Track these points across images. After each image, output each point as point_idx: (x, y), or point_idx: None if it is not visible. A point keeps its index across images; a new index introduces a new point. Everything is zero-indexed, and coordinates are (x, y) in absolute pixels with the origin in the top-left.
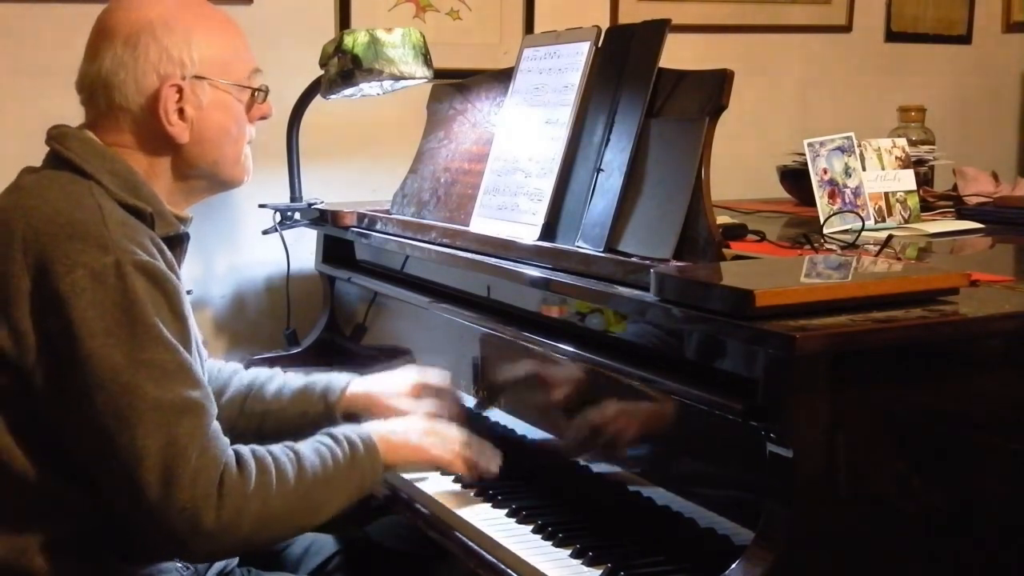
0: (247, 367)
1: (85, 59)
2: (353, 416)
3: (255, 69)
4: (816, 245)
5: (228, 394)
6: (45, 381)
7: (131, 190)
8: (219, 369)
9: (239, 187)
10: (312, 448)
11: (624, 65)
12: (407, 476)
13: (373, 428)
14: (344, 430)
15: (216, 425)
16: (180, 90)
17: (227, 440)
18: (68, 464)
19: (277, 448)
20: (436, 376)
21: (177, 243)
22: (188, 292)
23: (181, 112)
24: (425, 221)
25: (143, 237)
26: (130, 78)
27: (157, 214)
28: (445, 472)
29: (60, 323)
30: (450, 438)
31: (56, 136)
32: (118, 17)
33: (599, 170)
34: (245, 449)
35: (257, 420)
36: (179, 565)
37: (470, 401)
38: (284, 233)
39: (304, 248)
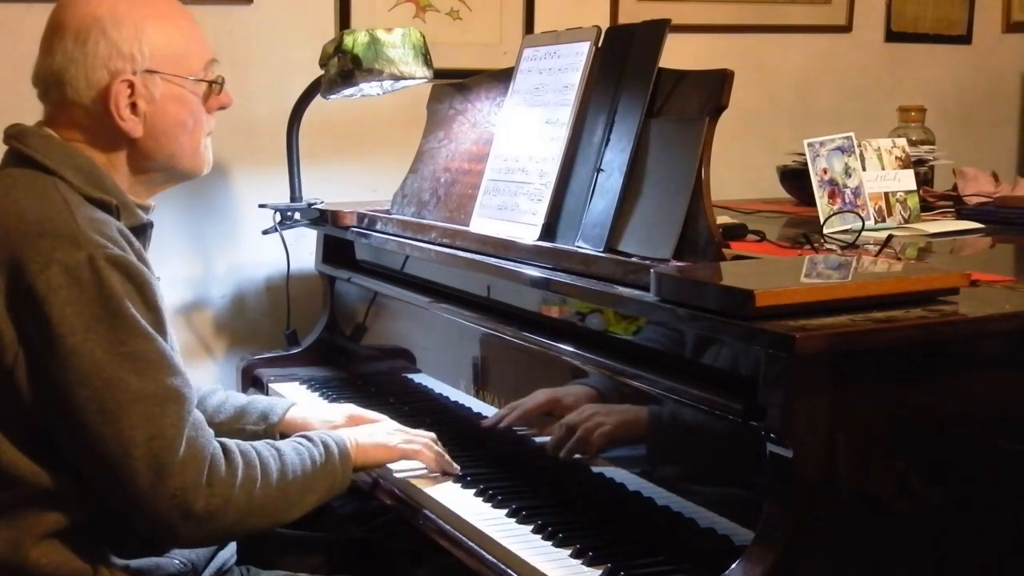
0: (247, 367)
1: (39, 54)
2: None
3: (211, 60)
4: (816, 245)
5: None
6: (26, 378)
7: (95, 184)
8: None
9: (200, 176)
10: (292, 448)
11: (624, 65)
12: (407, 478)
13: (346, 432)
14: (319, 434)
15: (198, 414)
16: (132, 85)
17: (211, 431)
18: (57, 457)
19: (260, 444)
20: (373, 416)
21: (141, 232)
22: (156, 280)
23: (134, 107)
24: (425, 221)
25: (111, 230)
26: (80, 74)
27: (122, 205)
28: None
29: (38, 321)
30: (417, 433)
31: (15, 135)
32: (69, 12)
33: (599, 170)
34: (231, 443)
35: None
36: (176, 561)
37: (469, 401)
38: (284, 233)
39: (304, 248)
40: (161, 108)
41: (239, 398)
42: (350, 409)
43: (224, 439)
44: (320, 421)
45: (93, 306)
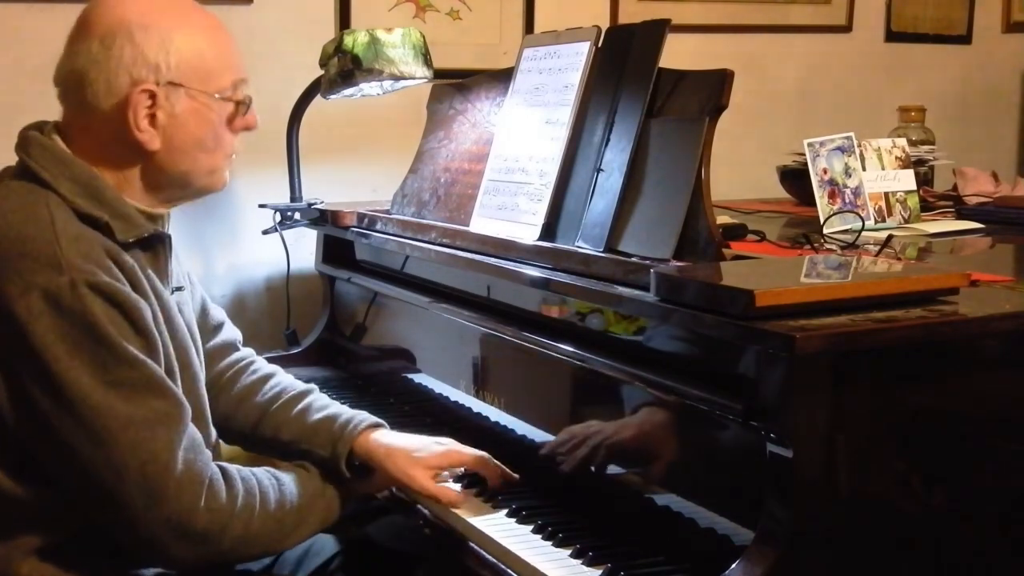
0: None
1: (63, 52)
2: (361, 468)
3: (240, 79)
4: (816, 245)
5: (253, 399)
6: (8, 402)
7: (91, 196)
8: (251, 368)
9: (217, 192)
10: (291, 477)
11: (624, 65)
12: None
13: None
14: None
15: (194, 432)
16: (153, 95)
17: (209, 454)
18: (42, 477)
19: (260, 472)
20: (471, 453)
21: (157, 242)
22: (178, 289)
23: (153, 118)
24: (425, 221)
25: (98, 251)
26: (102, 78)
27: (120, 218)
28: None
29: (20, 347)
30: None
31: (21, 141)
32: (98, 12)
33: (599, 170)
34: (232, 468)
35: (264, 438)
36: None
37: (469, 401)
38: (284, 233)
39: (304, 248)
40: (181, 123)
41: (316, 410)
42: (447, 445)
43: (225, 464)
44: (408, 450)
45: (76, 333)
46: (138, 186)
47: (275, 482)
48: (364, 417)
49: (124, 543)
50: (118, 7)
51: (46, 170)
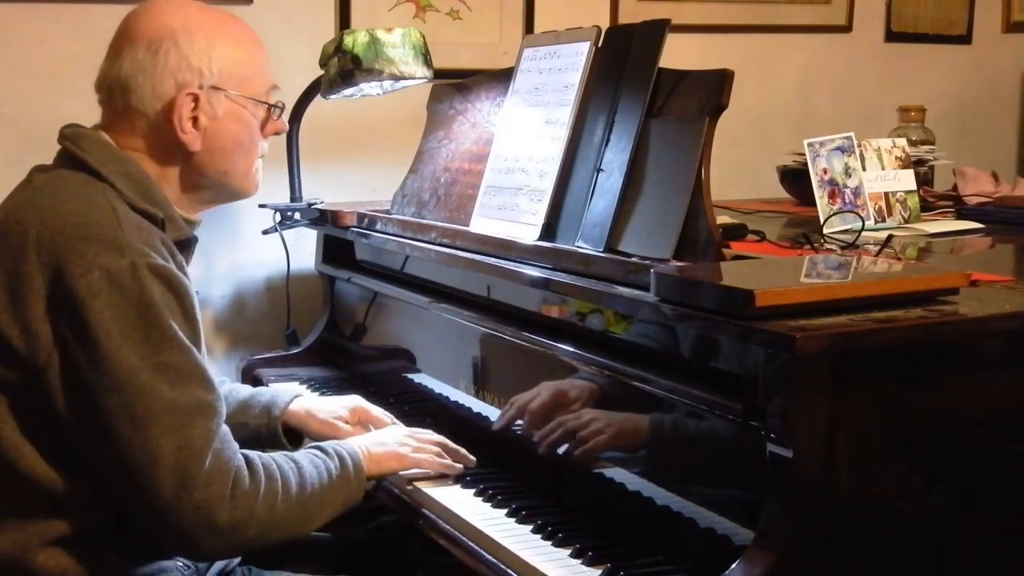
0: (247, 367)
1: (106, 59)
2: (291, 431)
3: (273, 86)
4: (816, 245)
5: None
6: (58, 380)
7: (144, 194)
8: None
9: (249, 198)
10: (309, 460)
11: (624, 65)
12: (408, 478)
13: (358, 443)
14: (333, 445)
15: (226, 428)
16: (196, 99)
17: (236, 444)
18: (74, 462)
19: (279, 457)
20: (379, 412)
21: (186, 246)
22: (195, 293)
23: (195, 121)
24: (425, 221)
25: (155, 240)
26: (148, 82)
27: (168, 219)
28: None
29: (76, 324)
30: (426, 441)
31: (70, 136)
32: (143, 21)
33: (599, 170)
34: (254, 455)
35: None
36: (180, 564)
37: (469, 401)
38: (284, 233)
39: (304, 248)
40: (222, 125)
41: (243, 391)
42: (356, 401)
43: (247, 452)
44: (325, 412)
45: (131, 313)
46: (175, 186)
47: (294, 465)
48: (280, 392)
49: (155, 533)
50: (162, 16)
51: (103, 165)
